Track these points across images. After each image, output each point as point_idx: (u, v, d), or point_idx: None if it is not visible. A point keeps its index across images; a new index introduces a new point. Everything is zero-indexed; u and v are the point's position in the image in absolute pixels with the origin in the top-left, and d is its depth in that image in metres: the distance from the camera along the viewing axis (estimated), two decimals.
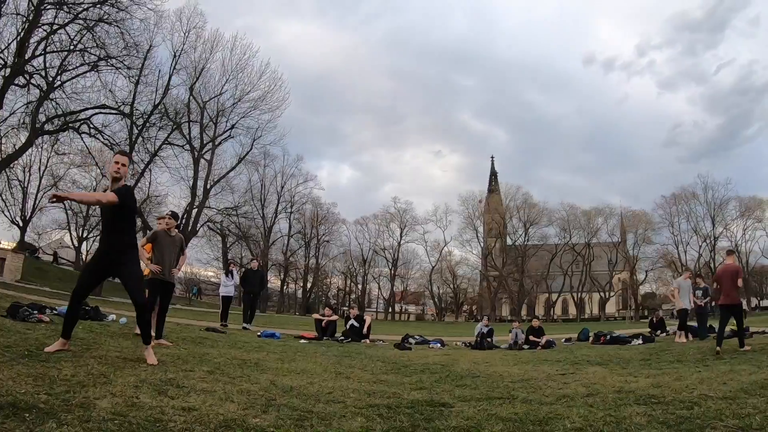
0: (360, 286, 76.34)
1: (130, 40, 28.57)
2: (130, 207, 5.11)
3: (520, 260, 71.94)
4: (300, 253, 70.53)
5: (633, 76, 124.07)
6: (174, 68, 35.68)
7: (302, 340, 11.39)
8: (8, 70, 25.11)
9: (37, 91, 27.32)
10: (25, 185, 44.71)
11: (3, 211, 43.61)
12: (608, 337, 13.35)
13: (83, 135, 30.59)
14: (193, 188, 39.73)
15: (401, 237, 74.64)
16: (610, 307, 72.51)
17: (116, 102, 31.14)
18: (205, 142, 40.24)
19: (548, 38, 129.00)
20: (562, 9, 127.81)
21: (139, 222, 38.84)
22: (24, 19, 25.13)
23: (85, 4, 26.22)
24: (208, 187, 41.91)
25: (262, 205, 62.03)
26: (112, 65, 29.08)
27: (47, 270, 37.04)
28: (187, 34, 36.09)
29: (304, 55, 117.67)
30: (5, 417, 2.59)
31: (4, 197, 42.32)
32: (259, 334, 11.61)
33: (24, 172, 43.84)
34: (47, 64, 27.47)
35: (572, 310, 74.95)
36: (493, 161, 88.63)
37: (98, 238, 7.54)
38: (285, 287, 70.54)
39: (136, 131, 32.97)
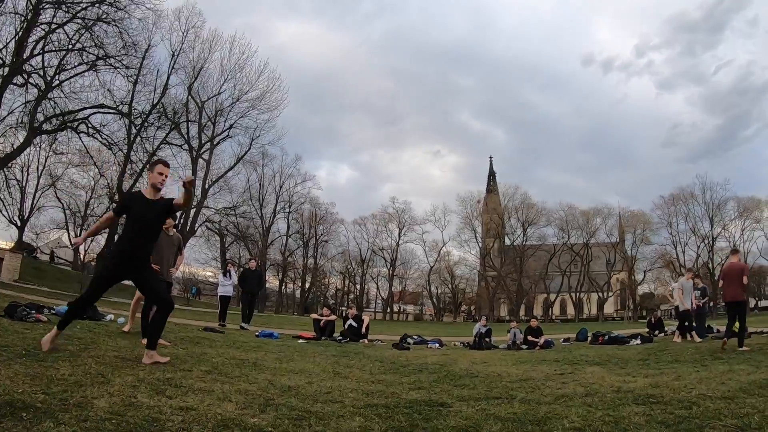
0: (358, 286, 76.38)
1: (128, 39, 28.68)
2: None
3: (519, 260, 72.04)
4: (298, 253, 70.66)
5: (632, 77, 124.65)
6: (172, 68, 35.82)
7: (300, 340, 11.37)
8: (6, 69, 25.11)
9: (36, 90, 27.35)
10: (23, 185, 44.65)
11: (1, 211, 43.56)
12: (606, 337, 13.36)
13: (81, 134, 30.65)
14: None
15: (400, 237, 74.76)
16: (609, 308, 72.62)
17: (114, 101, 31.23)
18: (203, 141, 40.29)
19: (547, 38, 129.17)
20: (560, 9, 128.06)
21: None
22: (22, 18, 25.15)
23: (83, 3, 26.27)
24: (207, 186, 41.98)
25: (260, 205, 62.06)
26: (111, 65, 29.15)
27: (45, 270, 36.96)
28: (185, 34, 36.23)
29: (303, 54, 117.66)
30: (2, 416, 2.58)
31: (2, 197, 42.28)
32: (257, 333, 11.59)
33: (22, 171, 43.83)
34: (45, 64, 27.54)
35: (570, 310, 75.06)
36: (491, 161, 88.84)
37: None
38: (283, 287, 70.53)
39: (134, 131, 33.04)
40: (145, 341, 6.68)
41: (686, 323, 12.58)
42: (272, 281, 66.82)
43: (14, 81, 25.83)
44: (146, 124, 33.81)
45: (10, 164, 32.79)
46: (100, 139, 31.41)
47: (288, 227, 67.36)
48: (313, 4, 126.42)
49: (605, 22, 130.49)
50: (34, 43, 26.36)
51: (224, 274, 14.97)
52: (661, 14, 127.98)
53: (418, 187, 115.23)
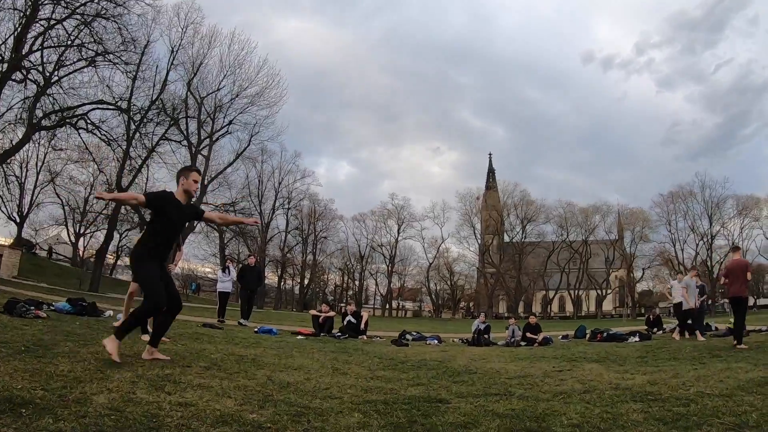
0: (357, 283, 76.49)
1: (127, 35, 28.59)
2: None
3: (518, 257, 72.13)
4: (297, 250, 70.79)
5: (632, 75, 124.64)
6: (171, 64, 35.67)
7: (299, 337, 11.38)
8: (5, 66, 25.05)
9: (35, 86, 27.27)
10: (22, 181, 44.65)
11: (0, 207, 43.56)
12: (605, 334, 13.38)
13: (80, 130, 30.60)
14: None
15: (399, 233, 74.96)
16: (607, 305, 72.71)
17: (113, 97, 31.15)
18: (202, 137, 40.20)
19: (547, 36, 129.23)
20: (561, 6, 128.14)
21: (136, 218, 38.90)
22: (21, 14, 25.07)
23: None
24: (206, 182, 41.86)
25: (259, 201, 62.11)
26: (110, 61, 29.06)
27: (44, 266, 36.98)
28: (184, 30, 36.07)
29: (303, 51, 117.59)
30: (2, 412, 2.58)
31: (1, 193, 42.26)
32: (256, 330, 11.60)
33: (21, 167, 43.82)
34: (44, 60, 27.44)
35: (569, 308, 75.18)
36: (490, 158, 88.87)
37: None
38: (282, 283, 70.63)
39: (133, 127, 32.95)
40: (144, 337, 6.70)
41: (689, 321, 12.60)
42: (271, 277, 67.00)
43: (13, 77, 25.77)
44: (145, 120, 33.74)
45: (9, 160, 32.72)
46: (99, 135, 31.34)
47: (287, 223, 67.49)
48: (313, 1, 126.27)
49: (605, 20, 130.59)
50: (33, 39, 26.29)
51: (223, 271, 14.97)
52: (662, 12, 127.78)
53: (417, 184, 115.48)
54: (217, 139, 41.91)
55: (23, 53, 25.64)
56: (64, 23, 26.73)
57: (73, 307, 9.66)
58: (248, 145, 44.75)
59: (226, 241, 55.96)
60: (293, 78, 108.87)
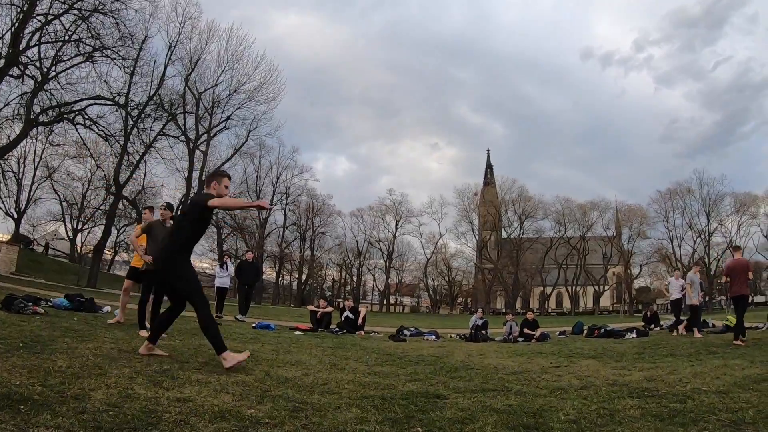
0: (355, 278, 76.50)
1: (125, 30, 28.47)
2: None
3: (515, 253, 72.19)
4: (295, 245, 70.53)
5: (630, 72, 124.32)
6: (169, 59, 35.50)
7: (297, 332, 11.39)
8: (2, 61, 24.91)
9: (32, 82, 27.14)
10: (20, 177, 44.47)
11: None
12: (602, 330, 13.42)
13: (78, 126, 30.50)
14: (189, 179, 39.66)
15: (396, 229, 74.91)
16: (605, 301, 72.93)
17: (111, 93, 31.01)
18: (200, 133, 40.12)
19: (546, 32, 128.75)
20: (560, 3, 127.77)
21: (134, 214, 38.84)
22: (18, 9, 24.93)
23: None
24: (204, 178, 41.77)
25: (257, 197, 61.82)
26: (107, 56, 28.95)
27: (42, 262, 36.89)
28: (182, 25, 35.87)
29: (301, 47, 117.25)
30: (0, 409, 2.58)
31: None
32: (253, 325, 11.61)
33: (18, 163, 43.65)
34: (42, 55, 27.31)
35: (567, 304, 75.30)
36: (488, 154, 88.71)
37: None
38: (280, 279, 70.57)
39: (131, 122, 32.85)
40: (142, 333, 6.71)
41: (691, 318, 12.64)
42: (269, 273, 66.81)
43: (10, 72, 25.62)
44: (143, 116, 33.63)
45: (6, 156, 32.62)
46: (97, 131, 31.26)
47: (285, 219, 67.26)
48: None
49: (604, 17, 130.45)
50: (30, 34, 26.14)
51: (221, 266, 14.99)
52: (661, 9, 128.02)
53: (415, 180, 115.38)
54: (215, 134, 41.83)
55: (20, 49, 25.50)
56: (62, 18, 26.62)
57: (71, 302, 9.67)
58: (246, 140, 44.63)
59: (223, 237, 55.85)
60: (291, 73, 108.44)
